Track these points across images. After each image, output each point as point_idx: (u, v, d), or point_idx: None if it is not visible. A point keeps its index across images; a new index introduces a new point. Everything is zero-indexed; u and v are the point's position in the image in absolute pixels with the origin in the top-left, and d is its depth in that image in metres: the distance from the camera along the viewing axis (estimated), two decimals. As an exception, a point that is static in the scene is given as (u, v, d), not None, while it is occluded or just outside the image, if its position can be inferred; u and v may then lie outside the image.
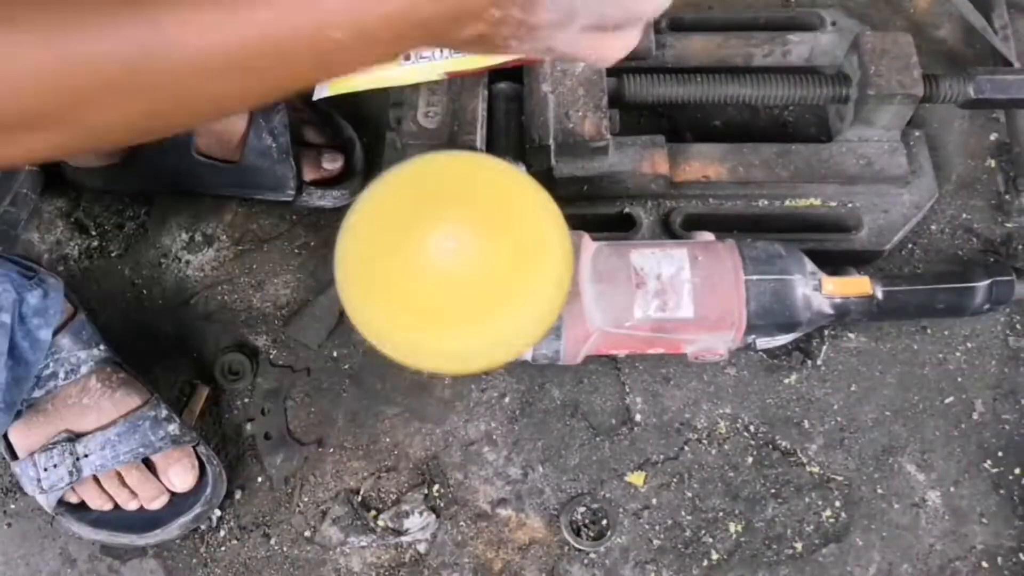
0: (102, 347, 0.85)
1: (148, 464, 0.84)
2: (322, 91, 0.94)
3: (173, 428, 0.84)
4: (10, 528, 0.88)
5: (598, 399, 0.91)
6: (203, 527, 0.87)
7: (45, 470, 0.81)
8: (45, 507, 0.84)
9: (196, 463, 0.85)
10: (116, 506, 0.85)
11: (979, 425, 0.90)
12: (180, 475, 0.84)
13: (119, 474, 0.83)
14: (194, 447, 0.85)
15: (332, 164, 0.99)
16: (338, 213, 0.80)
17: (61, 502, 0.84)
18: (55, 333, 0.82)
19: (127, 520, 0.85)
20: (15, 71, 0.40)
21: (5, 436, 0.84)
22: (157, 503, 0.84)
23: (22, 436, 0.83)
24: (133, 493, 0.84)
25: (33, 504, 0.88)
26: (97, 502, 0.84)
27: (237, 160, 0.96)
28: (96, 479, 0.83)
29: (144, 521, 0.85)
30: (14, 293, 0.76)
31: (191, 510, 0.84)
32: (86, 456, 0.82)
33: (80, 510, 0.85)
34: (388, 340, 0.80)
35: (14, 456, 0.84)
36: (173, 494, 0.85)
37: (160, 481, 0.84)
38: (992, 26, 1.05)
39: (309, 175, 0.98)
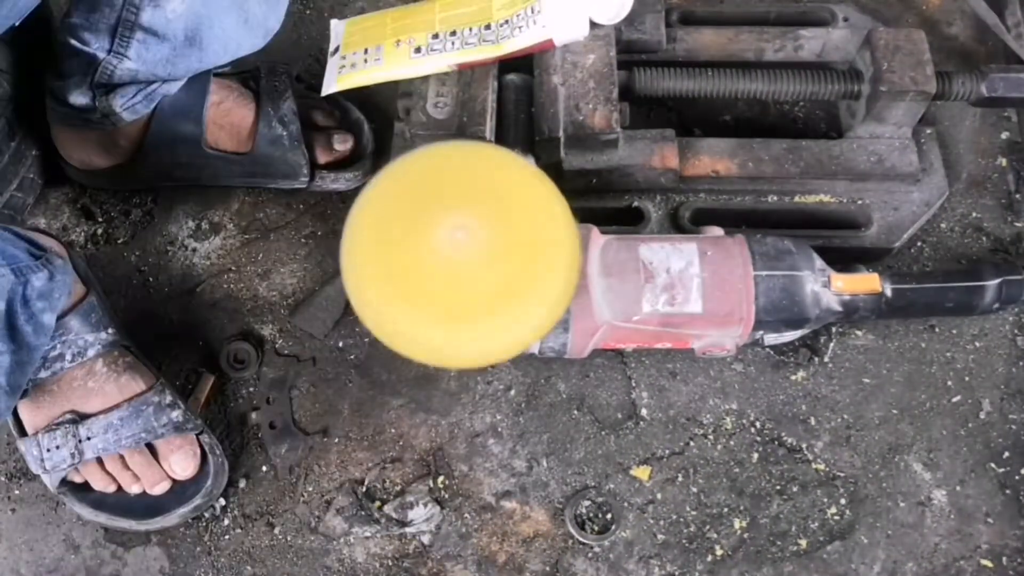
0: (111, 330, 0.85)
1: (151, 449, 0.84)
2: (330, 85, 0.93)
3: (176, 415, 0.84)
4: (14, 514, 0.88)
5: (604, 393, 0.91)
6: (207, 515, 0.87)
7: (48, 451, 0.81)
8: (49, 486, 0.84)
9: (198, 451, 0.85)
10: (119, 488, 0.85)
11: (986, 425, 0.90)
12: (181, 462, 0.84)
13: (122, 457, 0.84)
14: (197, 435, 0.85)
15: (343, 145, 0.98)
16: (346, 202, 0.80)
17: (64, 481, 0.84)
18: (64, 315, 0.81)
19: (128, 504, 0.85)
20: None
21: (15, 412, 0.84)
22: (159, 488, 0.84)
23: (29, 414, 0.83)
24: (136, 476, 0.84)
25: (38, 491, 0.88)
26: (100, 483, 0.84)
27: (249, 151, 0.96)
28: (99, 461, 0.83)
29: (144, 507, 0.85)
30: (12, 277, 0.76)
31: (191, 500, 0.84)
32: (88, 439, 0.82)
33: (82, 490, 0.85)
34: (393, 332, 0.79)
35: (23, 432, 0.84)
36: (175, 481, 0.85)
37: (162, 467, 0.84)
38: (1005, 23, 1.04)
39: (321, 158, 0.98)
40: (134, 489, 0.84)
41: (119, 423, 0.82)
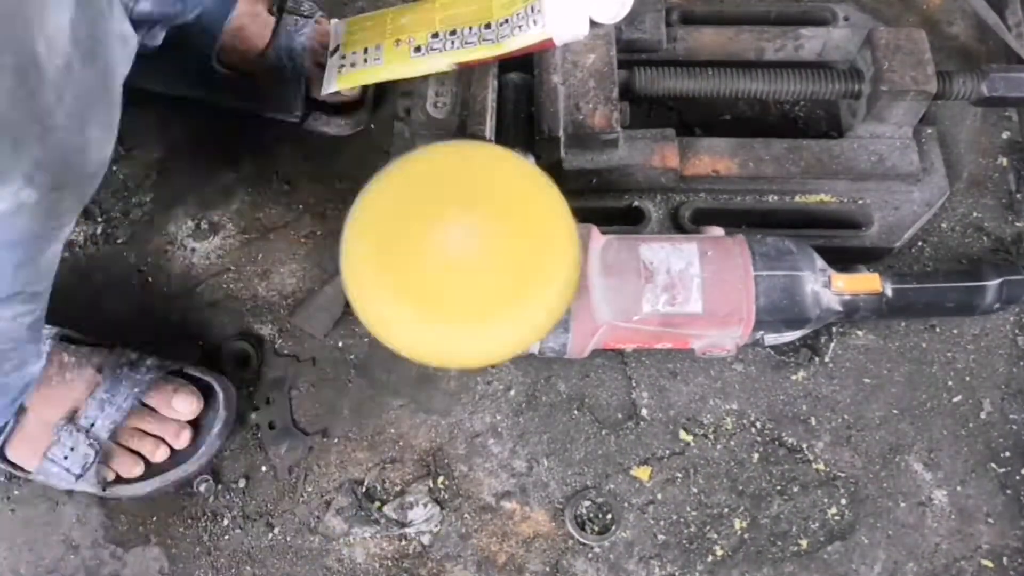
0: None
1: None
2: (330, 85, 0.93)
3: (151, 361, 0.85)
4: (14, 514, 0.88)
5: (604, 393, 0.91)
6: (206, 515, 0.87)
7: (66, 458, 0.82)
8: (95, 492, 0.84)
9: (190, 387, 0.86)
10: (148, 464, 0.85)
11: (987, 425, 0.90)
12: (183, 402, 0.85)
13: (136, 429, 0.84)
14: (182, 371, 0.87)
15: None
16: (346, 203, 0.79)
17: (105, 482, 0.84)
18: None
19: (168, 462, 0.86)
20: None
21: (6, 459, 0.84)
22: (183, 438, 0.85)
23: (25, 447, 0.83)
24: (157, 439, 0.85)
25: (37, 491, 0.88)
26: (129, 466, 0.84)
27: (251, 73, 0.98)
28: (119, 444, 0.84)
29: (184, 455, 0.86)
30: None
31: (217, 421, 0.86)
32: (92, 425, 0.82)
33: (123, 481, 0.85)
34: (393, 333, 0.79)
35: (24, 471, 0.84)
36: (192, 423, 0.86)
37: (172, 420, 0.85)
38: (1005, 23, 1.04)
39: (318, 94, 0.98)
40: (159, 455, 0.85)
41: (108, 395, 0.82)
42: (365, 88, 1.02)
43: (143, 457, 0.85)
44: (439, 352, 0.79)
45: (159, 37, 0.94)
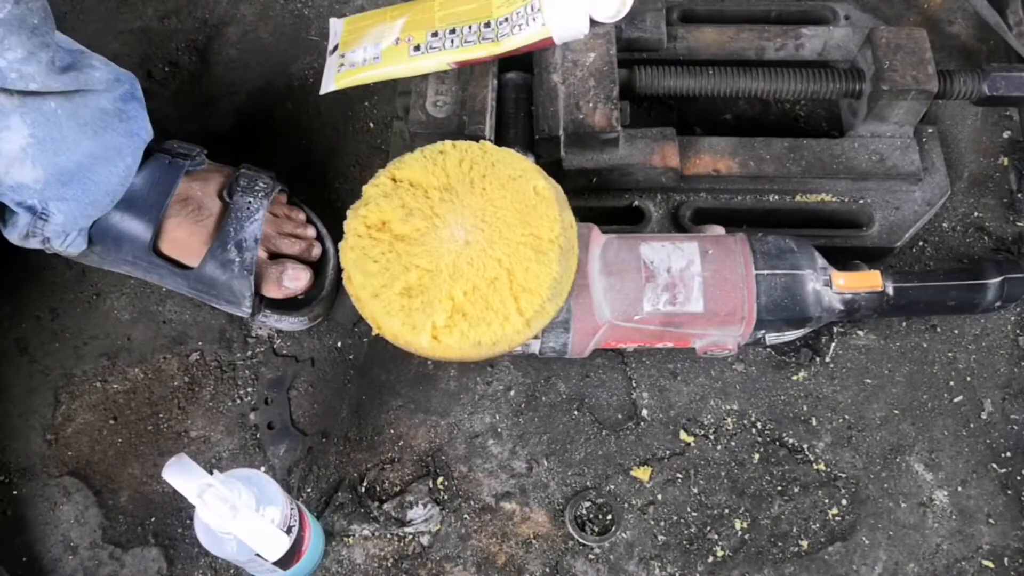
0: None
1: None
2: (329, 84, 0.93)
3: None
4: (12, 515, 0.87)
5: (604, 393, 0.91)
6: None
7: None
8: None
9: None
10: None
11: (988, 425, 0.89)
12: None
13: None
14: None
15: (294, 283, 0.90)
16: (345, 204, 0.79)
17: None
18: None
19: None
20: None
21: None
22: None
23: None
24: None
25: (35, 491, 0.88)
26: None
27: (195, 267, 0.89)
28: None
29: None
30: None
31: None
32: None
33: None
34: (393, 327, 0.79)
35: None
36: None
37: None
38: (1006, 22, 1.04)
39: (271, 292, 0.90)
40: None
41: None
42: (320, 278, 0.92)
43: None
44: (437, 345, 0.79)
45: (81, 244, 0.89)
